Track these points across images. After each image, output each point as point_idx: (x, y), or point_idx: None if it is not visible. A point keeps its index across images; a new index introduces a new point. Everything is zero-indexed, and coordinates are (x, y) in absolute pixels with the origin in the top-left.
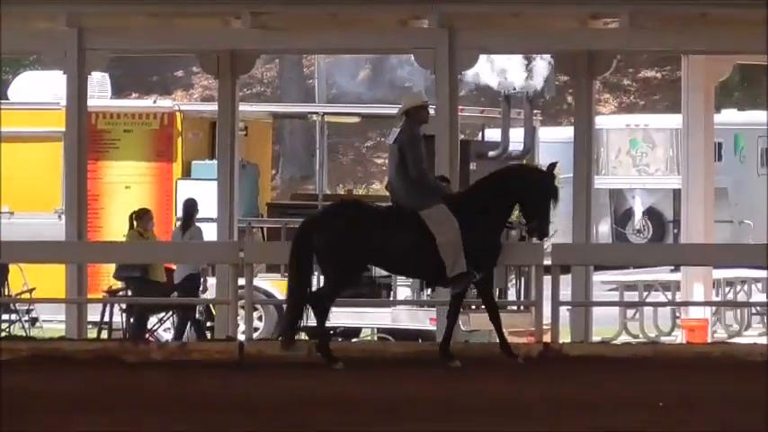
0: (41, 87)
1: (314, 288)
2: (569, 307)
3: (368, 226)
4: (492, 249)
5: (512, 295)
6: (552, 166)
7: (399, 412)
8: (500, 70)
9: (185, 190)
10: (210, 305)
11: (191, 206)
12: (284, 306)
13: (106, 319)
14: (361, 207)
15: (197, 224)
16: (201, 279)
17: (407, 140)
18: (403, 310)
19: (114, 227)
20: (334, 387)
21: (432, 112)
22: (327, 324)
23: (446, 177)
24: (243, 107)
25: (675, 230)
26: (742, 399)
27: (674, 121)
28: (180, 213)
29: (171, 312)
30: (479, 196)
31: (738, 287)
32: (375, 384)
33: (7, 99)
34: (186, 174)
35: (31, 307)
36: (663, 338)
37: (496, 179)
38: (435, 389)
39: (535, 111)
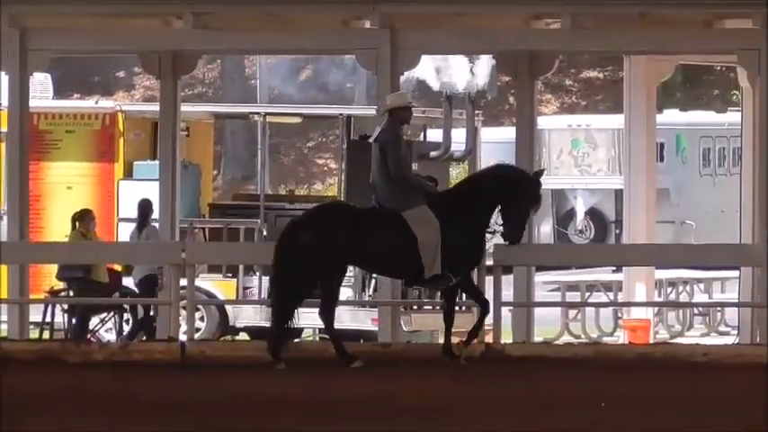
0: None
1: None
2: (511, 307)
3: (351, 226)
4: (471, 252)
5: None
6: (538, 173)
7: (340, 412)
8: (442, 70)
9: (127, 190)
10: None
11: (146, 206)
12: (269, 308)
13: (48, 319)
14: (345, 207)
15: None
16: (159, 280)
17: (390, 140)
18: (345, 311)
19: (56, 227)
20: (276, 387)
21: (374, 112)
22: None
23: (433, 177)
24: (184, 107)
25: (617, 231)
26: (683, 399)
27: (615, 121)
28: (123, 214)
29: (113, 313)
30: (461, 197)
31: (680, 288)
32: (316, 384)
33: None
34: (128, 174)
35: None
36: (605, 339)
37: (478, 180)
38: (377, 388)
39: (477, 111)
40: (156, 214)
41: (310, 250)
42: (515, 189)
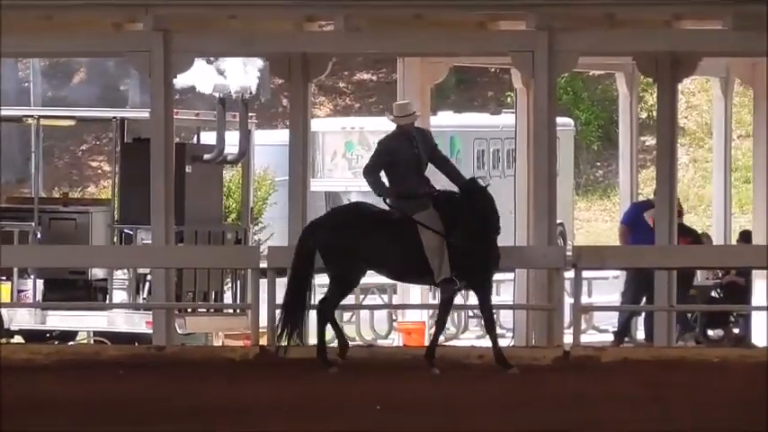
0: None
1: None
2: None
3: (366, 229)
4: (476, 258)
5: (228, 298)
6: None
7: (115, 414)
8: (215, 73)
9: None
10: None
11: None
12: (282, 310)
13: None
14: (362, 209)
15: None
16: None
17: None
18: (119, 314)
19: None
20: (46, 389)
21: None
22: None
23: (432, 186)
24: None
25: None
26: (457, 401)
27: (389, 123)
28: None
29: None
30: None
31: None
32: (89, 387)
33: None
34: None
35: None
36: (380, 341)
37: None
38: (152, 391)
39: (250, 114)
40: None
41: (326, 252)
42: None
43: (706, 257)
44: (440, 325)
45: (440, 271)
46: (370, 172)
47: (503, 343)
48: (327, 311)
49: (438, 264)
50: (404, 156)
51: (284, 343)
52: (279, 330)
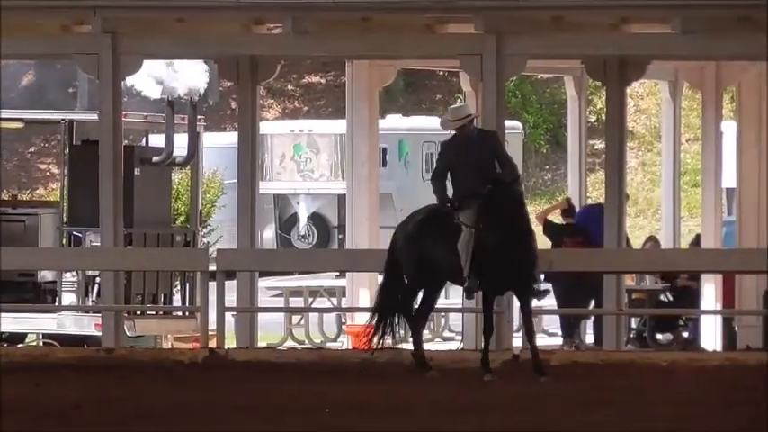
0: None
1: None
2: (235, 312)
3: (436, 235)
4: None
5: (177, 301)
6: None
7: (65, 417)
8: (164, 75)
9: None
10: None
11: None
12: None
13: None
14: (437, 214)
15: None
16: None
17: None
18: (68, 316)
19: None
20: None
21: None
22: None
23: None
24: None
25: (341, 236)
26: (407, 403)
27: (338, 126)
28: None
29: None
30: None
31: None
32: (42, 388)
33: None
34: None
35: None
36: (329, 344)
37: None
38: (97, 394)
39: (199, 116)
40: None
41: (403, 258)
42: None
43: (653, 261)
44: (487, 332)
45: (466, 268)
46: (433, 178)
47: (452, 347)
48: (420, 316)
49: (464, 260)
50: (459, 158)
51: (377, 345)
52: (372, 332)
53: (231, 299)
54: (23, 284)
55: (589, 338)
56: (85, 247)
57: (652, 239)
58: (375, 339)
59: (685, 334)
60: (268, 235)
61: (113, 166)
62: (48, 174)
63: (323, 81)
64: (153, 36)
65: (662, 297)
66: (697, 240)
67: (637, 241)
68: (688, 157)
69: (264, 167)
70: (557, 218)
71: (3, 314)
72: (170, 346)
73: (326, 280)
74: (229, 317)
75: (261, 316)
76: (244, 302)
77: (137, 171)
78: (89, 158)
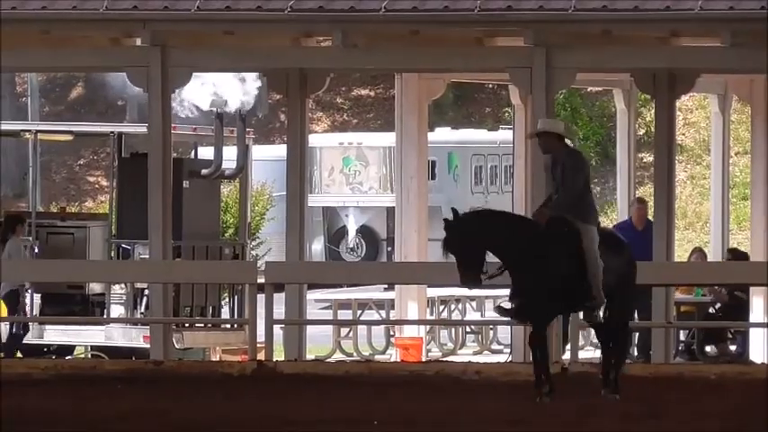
0: None
1: None
2: (283, 325)
3: None
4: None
5: (225, 313)
6: None
7: (111, 429)
8: (213, 88)
9: None
10: None
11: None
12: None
13: None
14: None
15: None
16: (20, 296)
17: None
18: (116, 328)
19: None
20: (44, 403)
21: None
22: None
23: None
24: None
25: (389, 249)
26: (454, 417)
27: (387, 139)
28: None
29: None
30: None
31: (453, 305)
32: (90, 401)
33: None
34: None
35: None
36: (377, 357)
37: None
38: (148, 406)
39: (248, 129)
40: None
41: None
42: None
43: (701, 274)
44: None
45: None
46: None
47: (500, 359)
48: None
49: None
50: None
51: None
52: None
53: (280, 311)
54: (72, 297)
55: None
56: (134, 260)
57: (698, 251)
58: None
59: (733, 347)
60: (317, 248)
61: (162, 178)
62: (96, 186)
63: (372, 94)
64: (202, 49)
65: (710, 310)
66: (733, 253)
67: (685, 254)
68: (737, 171)
69: (313, 180)
70: None
71: (51, 326)
72: (218, 359)
73: (375, 292)
74: (278, 329)
75: (309, 328)
76: (292, 315)
77: (185, 184)
78: (138, 171)
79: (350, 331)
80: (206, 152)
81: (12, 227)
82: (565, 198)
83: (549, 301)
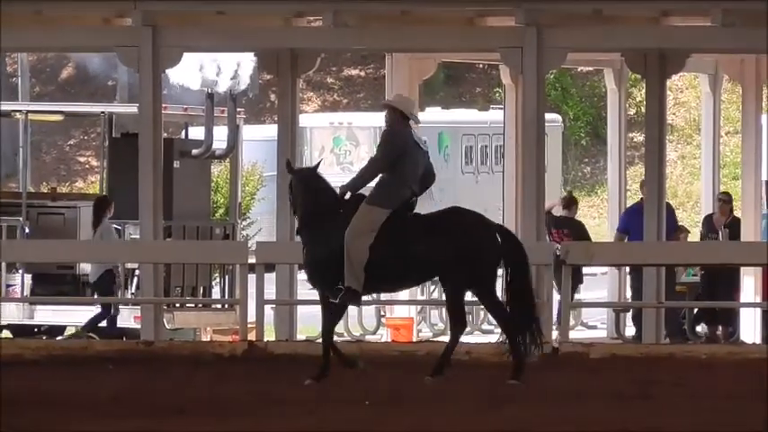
0: None
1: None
2: (274, 305)
3: None
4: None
5: (216, 294)
6: None
7: (102, 409)
8: (204, 68)
9: None
10: None
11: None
12: None
13: None
14: None
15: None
16: (116, 276)
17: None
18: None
19: None
20: (35, 384)
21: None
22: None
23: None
24: None
25: None
26: (445, 396)
27: (377, 119)
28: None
29: None
30: None
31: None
32: (81, 381)
33: None
34: None
35: None
36: (368, 337)
37: None
38: (136, 386)
39: (239, 109)
40: None
41: None
42: None
43: (694, 254)
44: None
45: None
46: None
47: (491, 339)
48: None
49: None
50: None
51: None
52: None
53: (270, 291)
54: (62, 277)
55: (629, 331)
56: (125, 240)
57: (684, 230)
58: None
59: (720, 328)
60: None
61: (153, 158)
62: (87, 166)
63: (362, 74)
64: (193, 29)
65: (701, 290)
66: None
67: None
68: (727, 150)
69: (304, 160)
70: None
71: (42, 306)
72: (209, 339)
73: None
74: (269, 309)
75: (300, 308)
76: (283, 295)
77: (176, 164)
78: (129, 151)
79: None
80: (197, 132)
81: (103, 210)
82: (355, 175)
83: (314, 273)
